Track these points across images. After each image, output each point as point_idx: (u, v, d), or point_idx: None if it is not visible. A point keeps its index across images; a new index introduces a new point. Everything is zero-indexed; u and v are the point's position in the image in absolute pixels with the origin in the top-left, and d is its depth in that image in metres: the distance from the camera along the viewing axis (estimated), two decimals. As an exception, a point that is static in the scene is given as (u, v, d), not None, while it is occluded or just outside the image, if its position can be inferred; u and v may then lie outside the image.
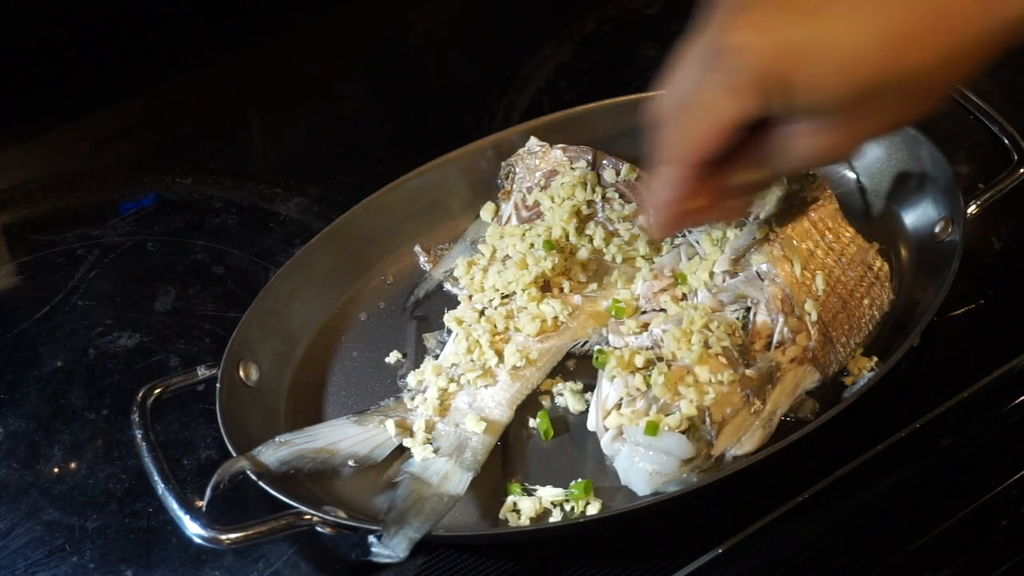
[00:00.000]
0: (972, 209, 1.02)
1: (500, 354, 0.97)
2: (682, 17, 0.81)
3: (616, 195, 1.06)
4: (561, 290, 1.02)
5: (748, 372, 0.92)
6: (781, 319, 0.95)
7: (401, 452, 0.94)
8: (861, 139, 0.80)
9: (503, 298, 1.01)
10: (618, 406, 0.91)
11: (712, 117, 0.77)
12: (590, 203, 1.06)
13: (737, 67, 0.74)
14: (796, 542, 0.91)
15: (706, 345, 0.92)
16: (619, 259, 1.03)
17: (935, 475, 0.94)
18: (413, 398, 0.97)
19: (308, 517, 0.86)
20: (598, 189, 1.06)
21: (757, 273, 0.98)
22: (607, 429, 0.91)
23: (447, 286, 1.06)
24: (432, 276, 1.07)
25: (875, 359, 0.97)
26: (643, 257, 1.03)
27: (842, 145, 0.79)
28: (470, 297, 1.02)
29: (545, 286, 1.02)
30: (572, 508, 0.91)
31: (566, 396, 0.98)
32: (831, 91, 0.74)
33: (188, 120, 1.30)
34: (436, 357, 1.00)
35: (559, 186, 1.06)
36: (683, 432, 0.88)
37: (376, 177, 1.09)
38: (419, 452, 0.93)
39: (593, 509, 0.90)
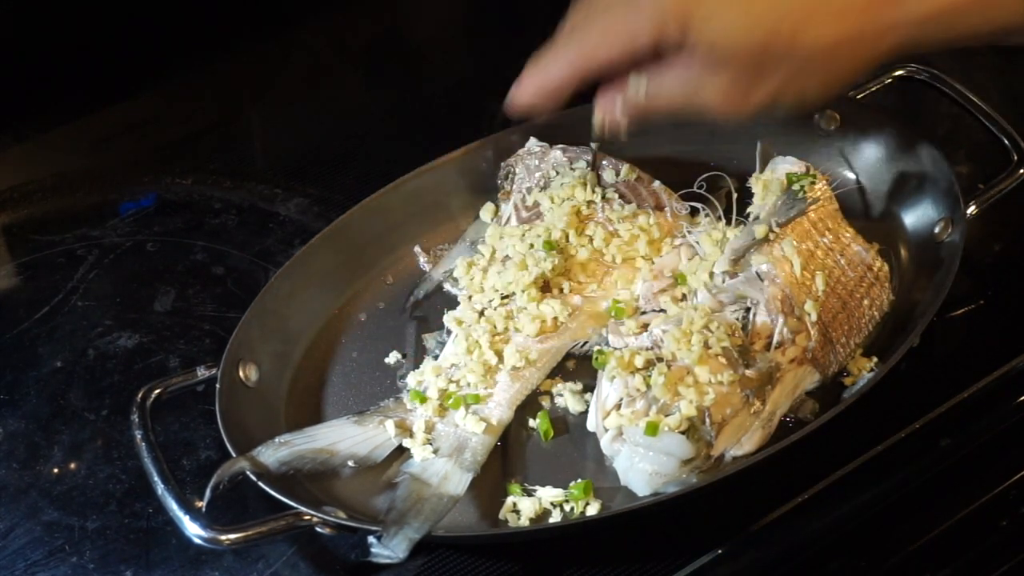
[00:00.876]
0: (972, 209, 1.02)
1: (500, 354, 0.97)
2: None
3: (616, 195, 1.06)
4: (561, 291, 1.02)
5: (748, 372, 0.92)
6: (781, 319, 0.95)
7: (401, 452, 0.94)
8: (752, 98, 0.84)
9: (503, 299, 1.01)
10: (618, 406, 0.91)
11: (621, 29, 0.84)
12: (590, 203, 1.06)
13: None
14: (796, 542, 0.91)
15: (706, 345, 0.92)
16: (619, 259, 1.03)
17: (935, 475, 0.94)
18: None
19: (308, 517, 0.86)
20: (598, 189, 1.06)
21: (757, 273, 0.98)
22: (607, 429, 0.91)
23: (447, 286, 1.06)
24: (432, 277, 1.07)
25: (875, 359, 0.97)
26: (643, 257, 1.03)
27: (733, 98, 0.84)
28: (470, 298, 1.02)
29: (545, 287, 1.02)
30: (572, 508, 0.91)
31: (566, 396, 0.98)
32: (723, 35, 0.80)
33: (188, 120, 1.30)
34: (436, 358, 0.99)
35: (559, 186, 1.06)
36: (683, 432, 0.88)
37: (376, 177, 1.09)
38: (419, 452, 0.93)
39: (593, 509, 0.90)
